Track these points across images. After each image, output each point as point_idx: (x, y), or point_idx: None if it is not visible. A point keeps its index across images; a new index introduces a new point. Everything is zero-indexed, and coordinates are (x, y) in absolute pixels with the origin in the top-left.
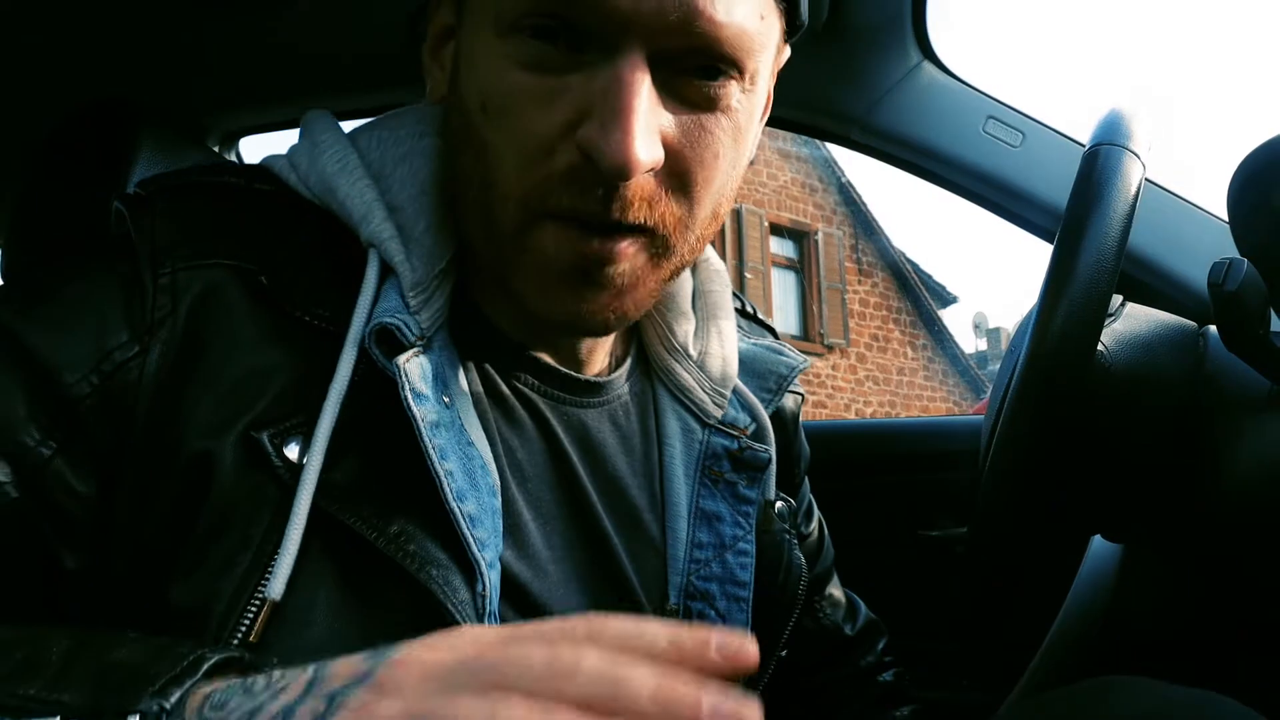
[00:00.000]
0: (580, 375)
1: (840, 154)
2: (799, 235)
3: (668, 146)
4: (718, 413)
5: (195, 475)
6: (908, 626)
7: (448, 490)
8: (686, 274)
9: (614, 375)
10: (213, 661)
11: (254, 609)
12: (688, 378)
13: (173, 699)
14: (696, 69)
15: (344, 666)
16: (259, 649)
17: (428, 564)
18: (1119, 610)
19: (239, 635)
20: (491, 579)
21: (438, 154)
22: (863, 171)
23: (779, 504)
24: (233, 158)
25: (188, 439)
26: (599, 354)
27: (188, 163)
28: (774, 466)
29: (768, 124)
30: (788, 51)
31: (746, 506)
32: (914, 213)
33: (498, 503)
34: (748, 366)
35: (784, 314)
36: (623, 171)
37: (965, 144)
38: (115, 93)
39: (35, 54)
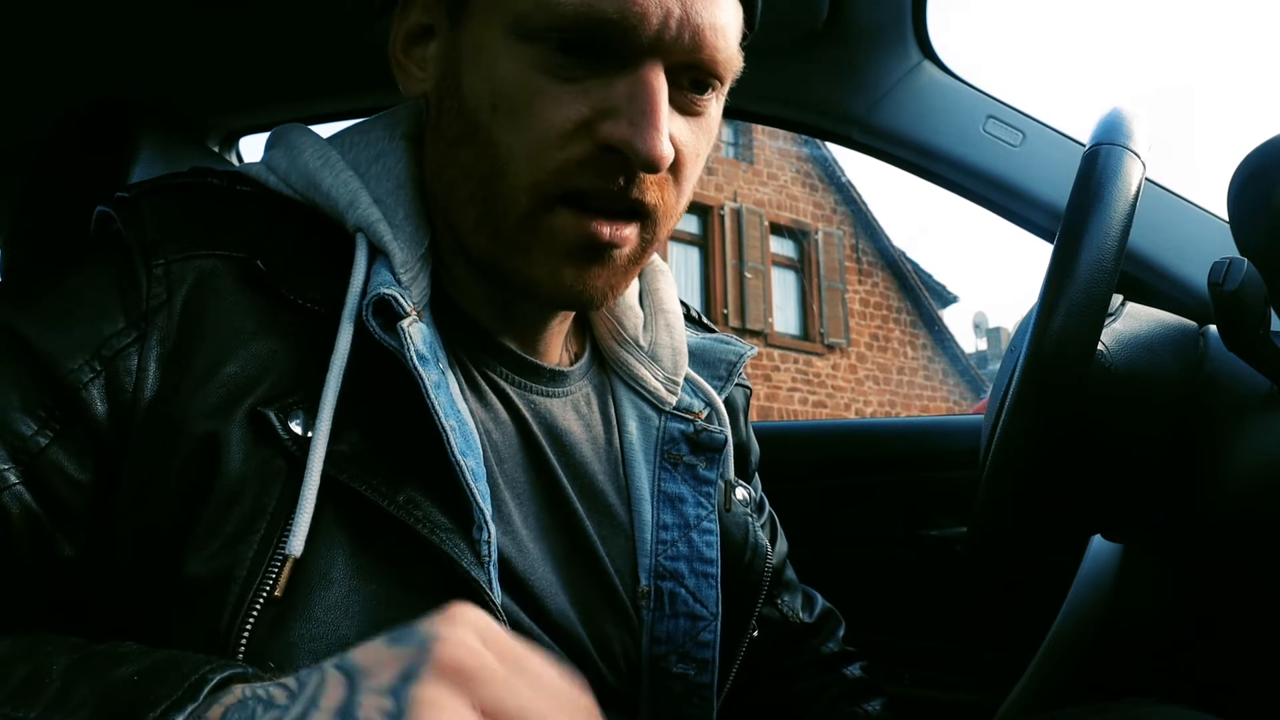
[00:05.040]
0: (545, 364)
1: (840, 154)
2: (799, 235)
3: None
4: (672, 399)
5: (202, 456)
6: (908, 626)
7: (453, 445)
8: None
9: (573, 367)
10: (214, 682)
11: (275, 569)
12: (640, 368)
13: None
14: (691, 84)
15: (375, 657)
16: (286, 606)
17: (437, 529)
18: (1119, 610)
19: (265, 593)
20: (493, 530)
21: (410, 151)
22: (863, 171)
23: (740, 490)
24: (233, 158)
25: (191, 422)
26: (556, 346)
27: (188, 163)
28: (730, 448)
29: (768, 124)
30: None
31: (707, 487)
32: (914, 213)
33: (484, 467)
34: (698, 357)
35: (784, 314)
36: (655, 164)
37: (965, 144)
38: (115, 93)
39: (35, 54)
